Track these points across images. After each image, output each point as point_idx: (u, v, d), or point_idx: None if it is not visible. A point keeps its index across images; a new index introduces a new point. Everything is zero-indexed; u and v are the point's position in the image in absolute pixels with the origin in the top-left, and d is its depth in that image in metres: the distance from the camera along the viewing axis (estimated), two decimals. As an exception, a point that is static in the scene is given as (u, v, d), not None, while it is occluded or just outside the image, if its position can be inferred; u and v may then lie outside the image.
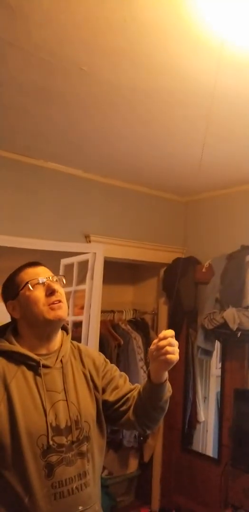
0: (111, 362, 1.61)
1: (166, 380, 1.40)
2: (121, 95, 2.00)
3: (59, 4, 1.38)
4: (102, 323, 3.36)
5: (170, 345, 1.29)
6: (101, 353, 1.63)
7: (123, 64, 1.72)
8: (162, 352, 1.29)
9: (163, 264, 3.80)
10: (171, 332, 1.30)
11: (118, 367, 1.63)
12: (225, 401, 3.18)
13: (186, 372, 3.54)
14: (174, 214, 3.91)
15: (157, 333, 3.76)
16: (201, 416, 3.56)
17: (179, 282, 3.67)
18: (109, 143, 2.70)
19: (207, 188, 3.69)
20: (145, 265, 3.90)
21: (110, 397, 1.50)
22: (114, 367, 1.60)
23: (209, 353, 3.30)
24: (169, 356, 1.28)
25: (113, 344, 3.32)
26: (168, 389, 1.45)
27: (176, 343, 1.31)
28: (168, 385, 1.44)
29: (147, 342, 3.64)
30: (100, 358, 1.59)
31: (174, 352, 1.29)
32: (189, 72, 1.75)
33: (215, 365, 3.63)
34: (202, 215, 3.89)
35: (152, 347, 1.32)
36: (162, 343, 1.29)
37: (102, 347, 3.24)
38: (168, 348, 1.28)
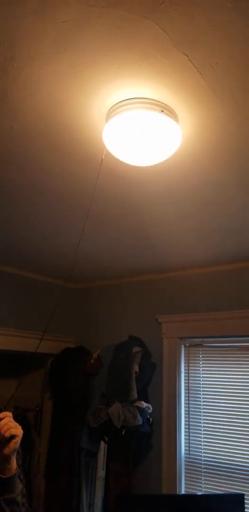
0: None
1: (16, 469, 1.43)
2: (9, 192, 2.07)
3: None
4: None
5: (11, 422, 1.40)
6: None
7: (13, 165, 1.80)
8: (5, 429, 1.37)
9: (50, 355, 3.58)
10: (9, 413, 1.43)
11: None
12: (108, 509, 2.92)
13: (70, 477, 3.20)
14: (65, 302, 3.80)
15: (39, 434, 3.42)
16: (85, 529, 3.19)
17: (68, 374, 3.47)
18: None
19: (99, 277, 3.71)
20: (31, 356, 3.63)
21: None
22: None
23: (94, 455, 3.06)
24: (12, 430, 1.38)
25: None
26: (19, 482, 1.47)
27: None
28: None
29: (27, 445, 3.26)
30: None
31: (16, 427, 1.40)
32: (74, 175, 1.88)
33: (102, 466, 3.37)
34: (93, 304, 3.85)
35: None
36: (3, 421, 1.38)
37: None
38: (9, 424, 1.39)
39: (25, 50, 1.18)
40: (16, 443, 1.40)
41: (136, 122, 1.41)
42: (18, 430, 1.41)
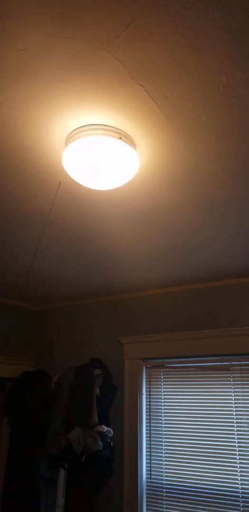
0: None
1: None
2: None
3: None
4: None
5: None
6: None
7: None
8: None
9: (8, 379, 3.46)
10: None
11: None
12: None
13: (28, 507, 3.07)
14: (24, 324, 3.71)
15: (-5, 463, 3.27)
16: None
17: (26, 399, 3.37)
18: None
19: (59, 299, 3.66)
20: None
21: None
22: None
23: (53, 483, 2.97)
24: None
25: None
26: None
27: None
28: None
29: (-17, 475, 3.10)
30: None
31: None
32: (32, 196, 1.86)
33: (62, 494, 3.27)
34: (54, 326, 3.79)
35: None
36: None
37: None
38: None
39: (-18, 73, 1.17)
40: None
41: (95, 147, 1.43)
42: None
